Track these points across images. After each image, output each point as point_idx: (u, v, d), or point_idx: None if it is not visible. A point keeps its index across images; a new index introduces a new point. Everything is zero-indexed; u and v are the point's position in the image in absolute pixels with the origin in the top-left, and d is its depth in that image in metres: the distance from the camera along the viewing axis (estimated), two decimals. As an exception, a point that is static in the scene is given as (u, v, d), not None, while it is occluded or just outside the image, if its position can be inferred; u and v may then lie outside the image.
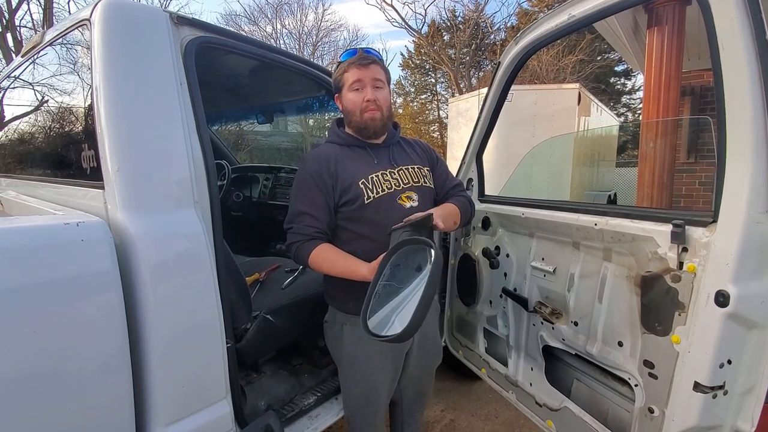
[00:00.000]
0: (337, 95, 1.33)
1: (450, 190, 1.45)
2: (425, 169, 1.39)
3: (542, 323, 1.55)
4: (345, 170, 1.25)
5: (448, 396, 2.34)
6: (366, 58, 1.25)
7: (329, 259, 1.22)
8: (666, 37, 3.34)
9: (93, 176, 1.06)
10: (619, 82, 17.94)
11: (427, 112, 20.22)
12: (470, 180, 1.96)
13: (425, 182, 1.36)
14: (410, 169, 1.34)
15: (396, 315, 0.94)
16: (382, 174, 1.28)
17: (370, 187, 1.25)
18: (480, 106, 1.83)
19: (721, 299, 0.95)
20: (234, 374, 1.18)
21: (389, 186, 1.27)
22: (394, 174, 1.30)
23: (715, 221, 0.99)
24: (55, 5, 9.91)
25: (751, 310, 0.95)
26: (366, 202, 1.23)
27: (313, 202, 1.23)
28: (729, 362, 0.99)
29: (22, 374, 0.80)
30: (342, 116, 1.36)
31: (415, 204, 1.29)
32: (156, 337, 0.98)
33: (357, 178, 1.24)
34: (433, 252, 0.94)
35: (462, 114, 6.95)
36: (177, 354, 1.02)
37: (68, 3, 10.08)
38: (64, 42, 1.35)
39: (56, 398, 0.85)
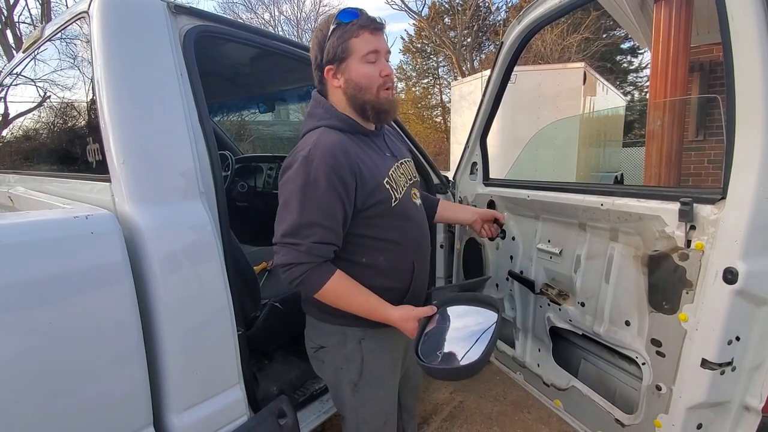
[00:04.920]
0: (331, 67, 1.03)
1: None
2: (412, 161, 1.25)
3: (549, 305, 1.56)
4: (366, 167, 1.01)
5: (456, 378, 2.38)
6: (377, 22, 1.01)
7: (350, 294, 1.01)
8: (674, 10, 3.25)
9: (99, 169, 1.07)
10: (625, 60, 17.53)
11: (429, 96, 19.96)
12: (474, 164, 1.94)
13: (417, 176, 1.23)
14: (407, 162, 1.20)
15: (456, 348, 1.01)
16: (395, 169, 1.10)
17: (394, 186, 1.06)
18: (483, 89, 1.81)
19: (730, 276, 0.95)
20: (246, 361, 1.21)
21: (403, 182, 1.11)
22: (401, 168, 1.13)
23: (723, 198, 0.98)
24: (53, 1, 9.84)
25: (760, 286, 0.95)
26: (393, 204, 1.05)
27: (328, 210, 0.96)
28: (737, 339, 0.99)
29: (38, 365, 0.82)
30: (318, 90, 1.11)
31: (419, 201, 1.18)
32: (168, 326, 1.00)
33: (381, 176, 1.04)
34: (498, 309, 1.09)
35: (465, 97, 6.87)
36: (189, 342, 1.04)
37: (65, -4, 9.99)
38: (64, 36, 1.34)
39: (74, 388, 0.87)
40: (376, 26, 1.00)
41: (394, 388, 1.21)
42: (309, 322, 1.20)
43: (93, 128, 1.09)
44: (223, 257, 1.11)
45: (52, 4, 9.87)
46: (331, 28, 1.00)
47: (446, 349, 0.99)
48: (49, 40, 1.42)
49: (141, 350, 0.96)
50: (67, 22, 1.25)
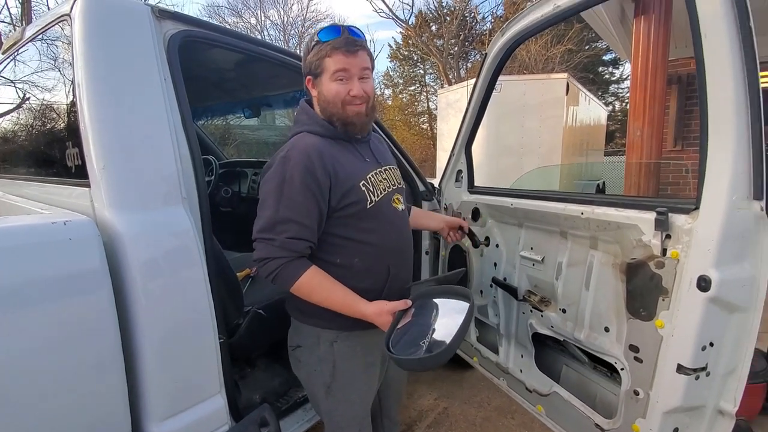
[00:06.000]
0: (309, 78, 1.11)
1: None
2: (398, 169, 1.29)
3: (531, 311, 1.58)
4: (343, 168, 1.06)
5: (441, 384, 2.38)
6: (354, 43, 1.05)
7: (324, 288, 1.04)
8: (652, 25, 3.36)
9: (79, 174, 1.05)
10: (607, 71, 18.03)
11: (416, 103, 20.12)
12: (459, 171, 1.97)
13: (402, 183, 1.27)
14: (392, 169, 1.23)
15: (423, 342, 0.99)
16: (375, 174, 1.14)
17: (371, 189, 1.10)
18: (468, 97, 1.83)
19: (703, 284, 0.98)
20: (227, 369, 1.19)
21: (384, 187, 1.15)
22: (383, 173, 1.17)
23: (697, 208, 1.01)
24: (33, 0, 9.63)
25: (732, 294, 0.98)
26: (368, 206, 1.09)
27: (302, 208, 1.01)
28: (711, 345, 1.02)
29: (14, 374, 0.80)
30: (309, 99, 1.17)
31: (403, 207, 1.21)
32: (148, 335, 0.98)
33: (357, 178, 1.08)
34: (471, 300, 1.07)
35: (451, 105, 6.93)
36: (170, 351, 1.03)
37: (47, -3, 9.80)
38: (45, 38, 1.32)
39: (50, 397, 0.85)
40: (349, 49, 1.04)
41: (367, 393, 1.22)
42: (292, 322, 1.24)
43: (73, 132, 1.07)
44: (206, 264, 1.10)
45: (33, 4, 9.66)
46: (313, 43, 1.08)
47: (420, 341, 0.99)
48: (30, 41, 1.40)
49: (120, 358, 0.94)
50: (48, 24, 1.23)
